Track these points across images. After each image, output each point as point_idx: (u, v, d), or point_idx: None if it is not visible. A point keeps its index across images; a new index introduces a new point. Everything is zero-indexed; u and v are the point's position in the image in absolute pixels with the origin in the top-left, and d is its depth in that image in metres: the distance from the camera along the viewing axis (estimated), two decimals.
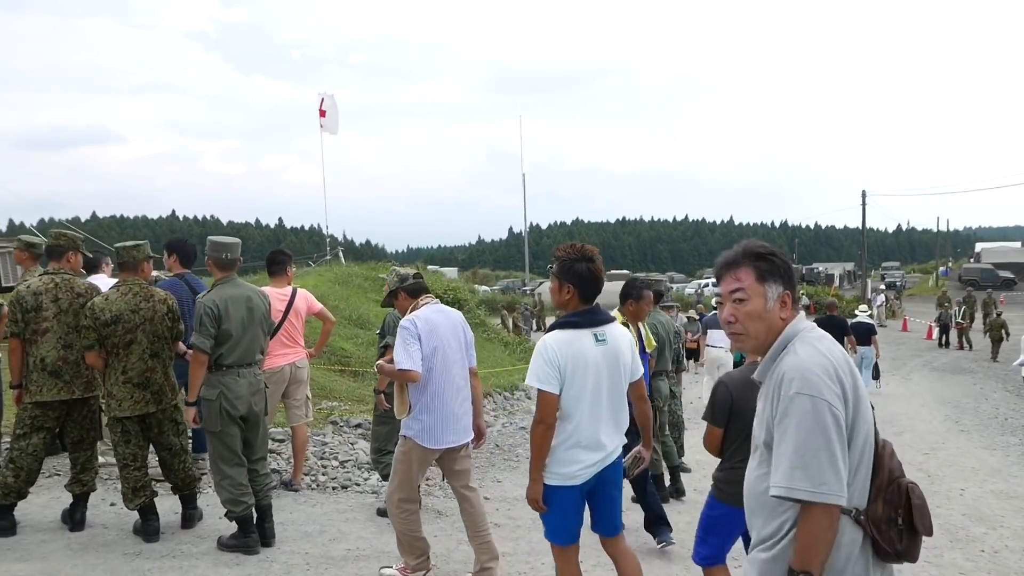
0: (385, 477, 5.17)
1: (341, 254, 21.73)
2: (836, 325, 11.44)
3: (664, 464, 6.24)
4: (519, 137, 44.63)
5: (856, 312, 14.61)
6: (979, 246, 63.28)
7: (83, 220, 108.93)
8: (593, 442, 3.27)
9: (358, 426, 7.88)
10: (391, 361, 3.95)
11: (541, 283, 38.51)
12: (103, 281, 6.05)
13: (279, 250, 6.15)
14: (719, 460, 3.63)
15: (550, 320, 23.60)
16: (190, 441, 5.89)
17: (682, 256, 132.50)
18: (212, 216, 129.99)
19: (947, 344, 21.94)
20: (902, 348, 21.60)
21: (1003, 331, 18.90)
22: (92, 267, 6.47)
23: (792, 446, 1.89)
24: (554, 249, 3.46)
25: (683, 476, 6.80)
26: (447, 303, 16.49)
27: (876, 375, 13.62)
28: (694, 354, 12.98)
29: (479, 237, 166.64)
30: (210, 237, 4.56)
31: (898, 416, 10.95)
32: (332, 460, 6.73)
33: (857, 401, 1.97)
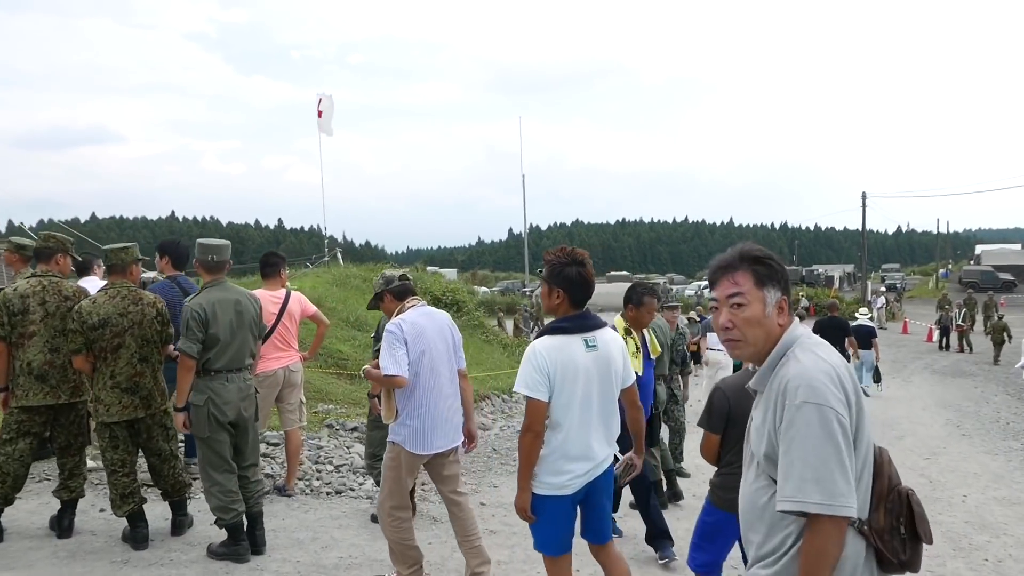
0: (379, 482, 5.08)
1: (339, 255, 21.67)
2: (837, 326, 11.38)
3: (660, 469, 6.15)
4: (519, 137, 44.57)
5: (856, 315, 14.56)
6: (979, 248, 63.19)
7: (82, 221, 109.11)
8: (584, 451, 3.19)
9: (354, 429, 7.79)
10: (378, 366, 3.87)
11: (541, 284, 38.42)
12: (95, 283, 5.97)
13: (272, 252, 6.07)
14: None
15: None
16: (182, 446, 5.82)
17: (682, 257, 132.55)
18: (212, 217, 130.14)
19: (947, 347, 21.87)
20: (902, 351, 21.52)
21: (1005, 334, 18.83)
22: (84, 269, 6.40)
23: (801, 457, 1.81)
24: (544, 253, 3.38)
25: (683, 481, 6.73)
26: (446, 304, 16.28)
27: (877, 378, 13.56)
28: (694, 356, 12.91)
29: (479, 238, 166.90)
30: (198, 239, 4.48)
31: (899, 420, 10.88)
32: (327, 464, 6.65)
33: (859, 407, 1.91)
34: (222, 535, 4.49)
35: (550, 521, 3.22)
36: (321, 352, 9.75)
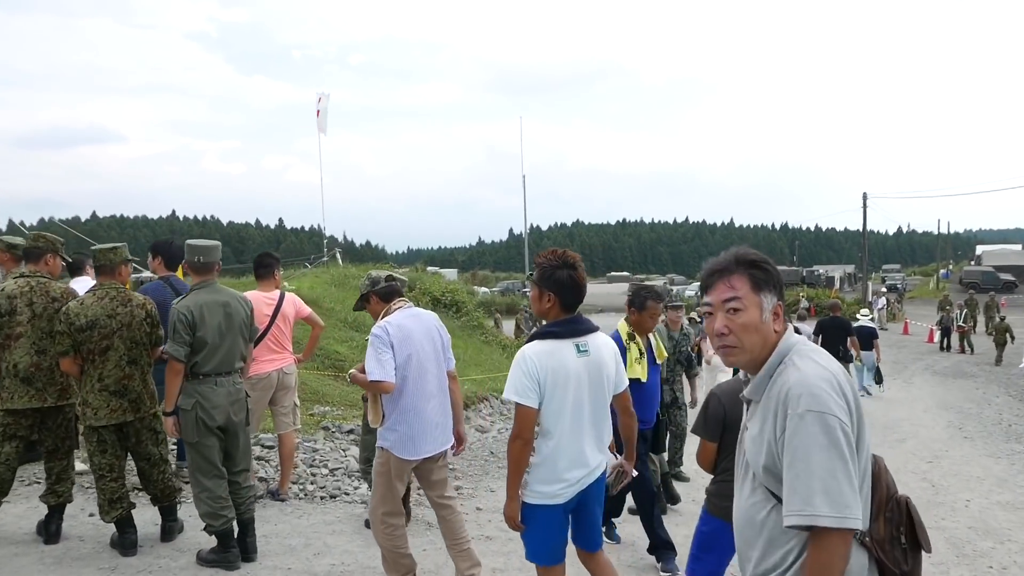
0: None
1: (338, 255, 21.61)
2: (840, 327, 11.30)
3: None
4: (519, 138, 44.54)
5: (857, 315, 14.48)
6: (980, 249, 63.14)
7: (83, 220, 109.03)
8: (576, 459, 3.12)
9: (350, 432, 7.70)
10: (364, 370, 3.79)
11: None
12: (87, 284, 5.89)
13: (267, 253, 5.99)
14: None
15: None
16: (174, 449, 5.74)
17: (682, 258, 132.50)
18: (212, 216, 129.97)
19: (948, 348, 21.81)
20: (903, 352, 21.44)
21: (1008, 335, 18.76)
22: (76, 269, 6.31)
23: (807, 469, 1.73)
24: (536, 255, 3.30)
25: (682, 486, 6.66)
26: (445, 305, 16.17)
27: (879, 379, 13.49)
28: (697, 358, 12.82)
29: (479, 238, 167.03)
30: (187, 240, 4.39)
31: (900, 422, 10.79)
32: (322, 468, 6.56)
33: (859, 415, 1.84)
34: (212, 541, 4.40)
35: (542, 531, 3.14)
36: (318, 353, 9.66)
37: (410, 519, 5.21)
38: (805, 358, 1.88)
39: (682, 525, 5.60)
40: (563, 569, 3.26)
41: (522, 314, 26.53)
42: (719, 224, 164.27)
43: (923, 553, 1.93)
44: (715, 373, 10.57)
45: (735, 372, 9.98)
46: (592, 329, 3.20)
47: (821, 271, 58.67)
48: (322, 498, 5.86)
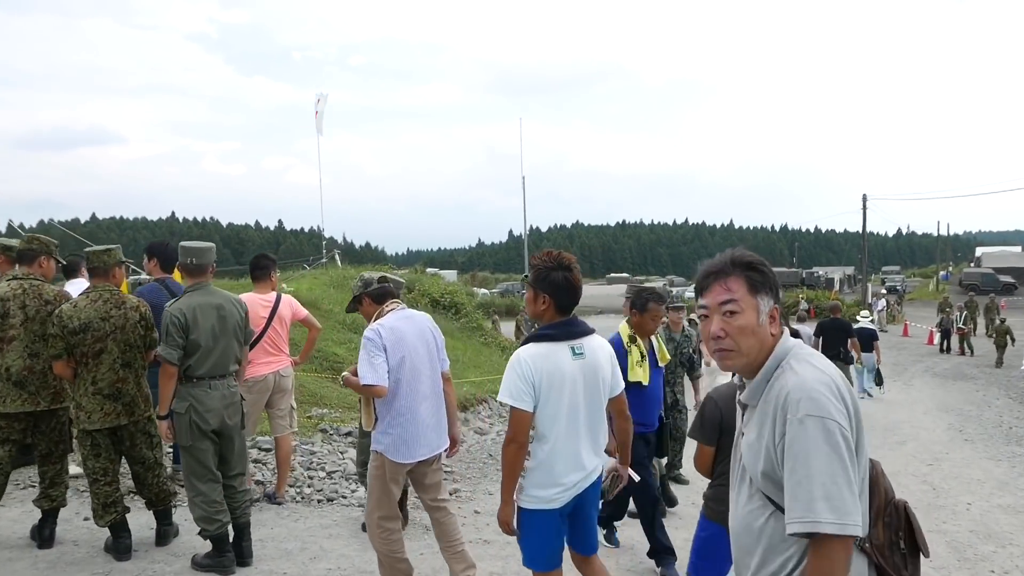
0: None
1: (337, 257, 21.59)
2: (840, 328, 11.25)
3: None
4: (519, 139, 44.76)
5: (858, 317, 14.42)
6: (979, 250, 63.18)
7: (82, 222, 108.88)
8: (572, 463, 3.08)
9: (348, 434, 7.66)
10: (356, 373, 3.75)
11: None
12: (83, 286, 5.85)
13: (263, 254, 5.95)
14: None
15: None
16: (170, 452, 5.69)
17: (682, 259, 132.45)
18: (212, 218, 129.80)
19: (948, 350, 21.76)
20: (903, 354, 21.40)
21: (1008, 337, 18.72)
22: (71, 271, 6.27)
23: (808, 475, 1.70)
24: (531, 257, 3.28)
25: (682, 489, 6.62)
26: (444, 306, 16.09)
27: (879, 381, 13.45)
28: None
29: (479, 240, 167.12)
30: (180, 242, 4.35)
31: (900, 424, 10.75)
32: (319, 471, 6.52)
33: (858, 418, 1.81)
34: (207, 546, 4.36)
35: (539, 536, 3.11)
36: (316, 355, 9.62)
37: (407, 523, 5.17)
38: (803, 362, 1.85)
39: (681, 528, 5.56)
40: (560, 574, 3.23)
41: (522, 315, 26.39)
42: (719, 225, 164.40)
43: (922, 558, 1.91)
44: (715, 375, 10.54)
45: (734, 375, 9.92)
46: (588, 331, 3.16)
47: (821, 273, 58.65)
48: (319, 501, 5.82)
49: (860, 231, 42.04)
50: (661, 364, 5.06)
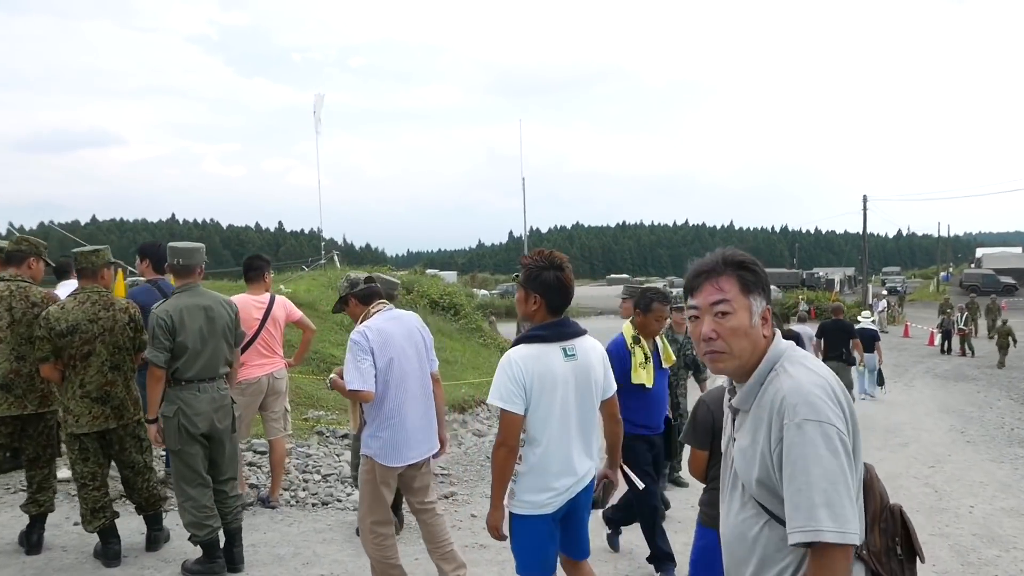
0: None
1: (336, 258, 21.53)
2: (842, 329, 11.17)
3: None
4: (519, 140, 44.62)
5: (859, 318, 14.35)
6: (980, 251, 63.18)
7: (82, 224, 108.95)
8: (564, 467, 3.01)
9: (344, 437, 7.59)
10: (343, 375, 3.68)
11: None
12: (74, 287, 5.79)
13: (256, 255, 5.88)
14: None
15: None
16: (162, 456, 5.62)
17: (682, 260, 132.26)
18: (212, 219, 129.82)
19: (949, 351, 21.70)
20: (904, 355, 21.33)
21: (1010, 338, 18.64)
22: (62, 273, 6.21)
23: (808, 482, 1.64)
24: (521, 257, 3.20)
25: (681, 492, 6.54)
26: (444, 307, 15.95)
27: (881, 381, 13.38)
28: None
29: (479, 241, 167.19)
30: (169, 243, 4.28)
31: (902, 426, 10.68)
32: (314, 474, 6.45)
33: (854, 422, 1.75)
34: (198, 552, 4.28)
35: (532, 543, 3.04)
36: (312, 356, 9.54)
37: (402, 527, 5.10)
38: (797, 365, 1.78)
39: (680, 532, 5.49)
40: None
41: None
42: (719, 227, 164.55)
43: (919, 563, 1.87)
44: (715, 377, 10.47)
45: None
46: (580, 332, 3.10)
47: (821, 274, 58.61)
48: (313, 505, 5.74)
49: (860, 232, 42.00)
50: (666, 365, 4.93)
